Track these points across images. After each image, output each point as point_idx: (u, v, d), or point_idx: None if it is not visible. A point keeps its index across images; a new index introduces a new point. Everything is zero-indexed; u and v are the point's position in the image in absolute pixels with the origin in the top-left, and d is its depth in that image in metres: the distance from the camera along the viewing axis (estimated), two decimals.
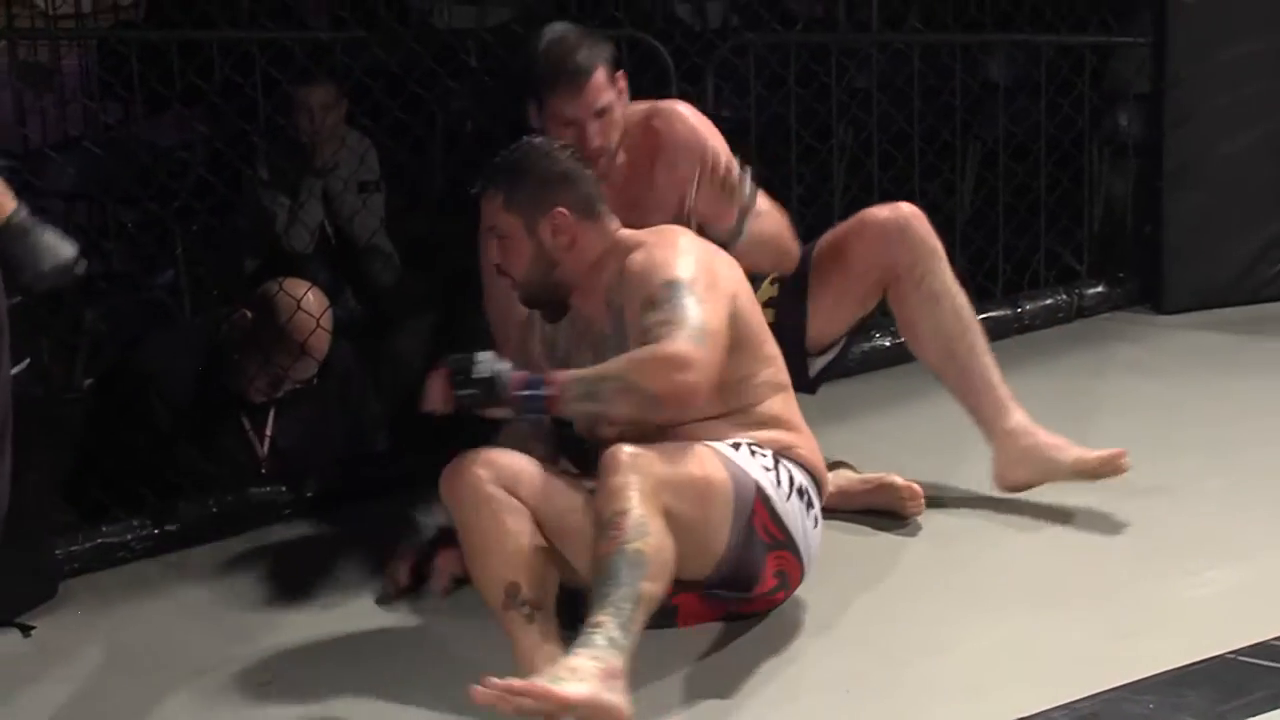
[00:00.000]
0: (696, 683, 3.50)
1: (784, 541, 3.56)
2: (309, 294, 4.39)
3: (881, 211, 4.21)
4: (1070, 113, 5.66)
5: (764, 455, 3.55)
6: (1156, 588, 3.74)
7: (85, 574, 3.99)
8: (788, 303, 4.27)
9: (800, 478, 3.61)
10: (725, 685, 3.47)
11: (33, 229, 3.17)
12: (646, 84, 4.53)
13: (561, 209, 3.53)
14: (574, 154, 3.69)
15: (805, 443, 3.67)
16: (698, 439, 3.49)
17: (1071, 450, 4.02)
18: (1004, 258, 5.46)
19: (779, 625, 3.70)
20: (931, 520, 4.05)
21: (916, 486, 4.08)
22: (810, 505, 3.63)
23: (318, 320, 4.36)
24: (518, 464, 3.44)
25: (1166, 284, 5.25)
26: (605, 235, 3.60)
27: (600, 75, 3.95)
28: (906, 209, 4.18)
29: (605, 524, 3.25)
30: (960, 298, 4.14)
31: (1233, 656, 3.41)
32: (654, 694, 3.40)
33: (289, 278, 4.49)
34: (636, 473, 3.26)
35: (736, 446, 3.53)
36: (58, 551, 3.95)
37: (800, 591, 3.78)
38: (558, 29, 4.09)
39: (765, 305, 4.34)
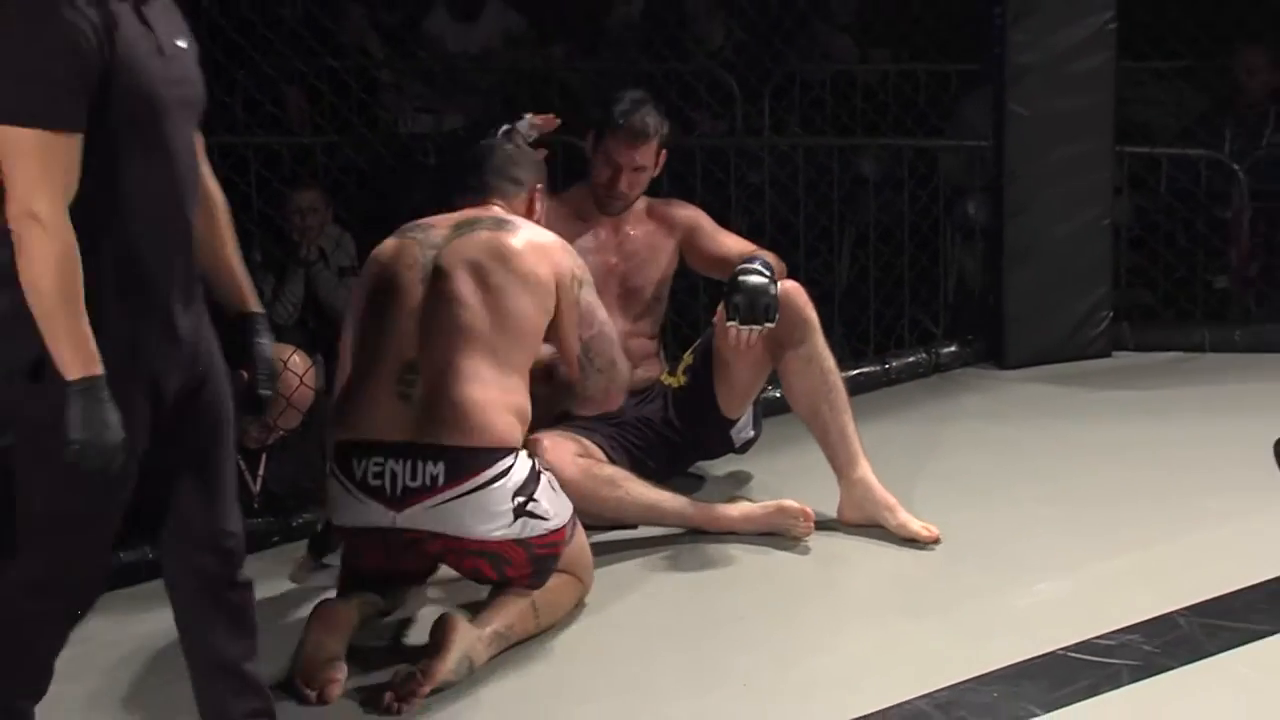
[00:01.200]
0: (608, 674, 3.48)
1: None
2: (294, 356, 4.34)
3: None
4: (928, 203, 5.68)
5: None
6: (999, 597, 3.74)
7: (110, 590, 3.92)
8: (700, 369, 4.26)
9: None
10: (632, 679, 3.46)
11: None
12: (574, 179, 4.52)
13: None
14: None
15: None
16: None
17: (899, 514, 4.01)
18: (874, 323, 5.47)
19: (682, 626, 3.69)
20: (818, 541, 4.03)
21: (809, 509, 4.04)
22: None
23: (300, 378, 4.32)
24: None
25: (1008, 344, 5.25)
26: None
27: (654, 144, 4.23)
28: (789, 285, 4.16)
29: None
30: (829, 362, 4.11)
31: (1061, 653, 3.43)
32: (572, 679, 3.41)
33: (277, 343, 4.45)
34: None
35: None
36: None
37: (705, 599, 3.80)
38: (642, 95, 4.35)
39: (682, 373, 4.36)
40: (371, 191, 5.37)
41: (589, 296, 3.68)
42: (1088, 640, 3.46)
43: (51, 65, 2.37)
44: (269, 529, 4.18)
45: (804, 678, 3.39)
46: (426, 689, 3.29)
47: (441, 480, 3.40)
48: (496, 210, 3.71)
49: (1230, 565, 3.77)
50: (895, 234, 5.60)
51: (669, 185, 5.00)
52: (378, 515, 3.45)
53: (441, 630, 3.37)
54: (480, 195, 3.75)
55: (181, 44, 2.57)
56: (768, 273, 4.05)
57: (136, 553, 4.00)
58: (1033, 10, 5.04)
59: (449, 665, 3.32)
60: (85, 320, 2.43)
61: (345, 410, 3.57)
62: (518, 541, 3.47)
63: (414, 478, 3.42)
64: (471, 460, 3.41)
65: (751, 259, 4.10)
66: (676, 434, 4.27)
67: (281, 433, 4.33)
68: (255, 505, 4.27)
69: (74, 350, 2.42)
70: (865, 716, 3.20)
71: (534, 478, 3.50)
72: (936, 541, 3.99)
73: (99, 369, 2.44)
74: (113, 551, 3.96)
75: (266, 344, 2.89)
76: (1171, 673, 3.35)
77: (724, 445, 4.35)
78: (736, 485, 4.30)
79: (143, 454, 2.57)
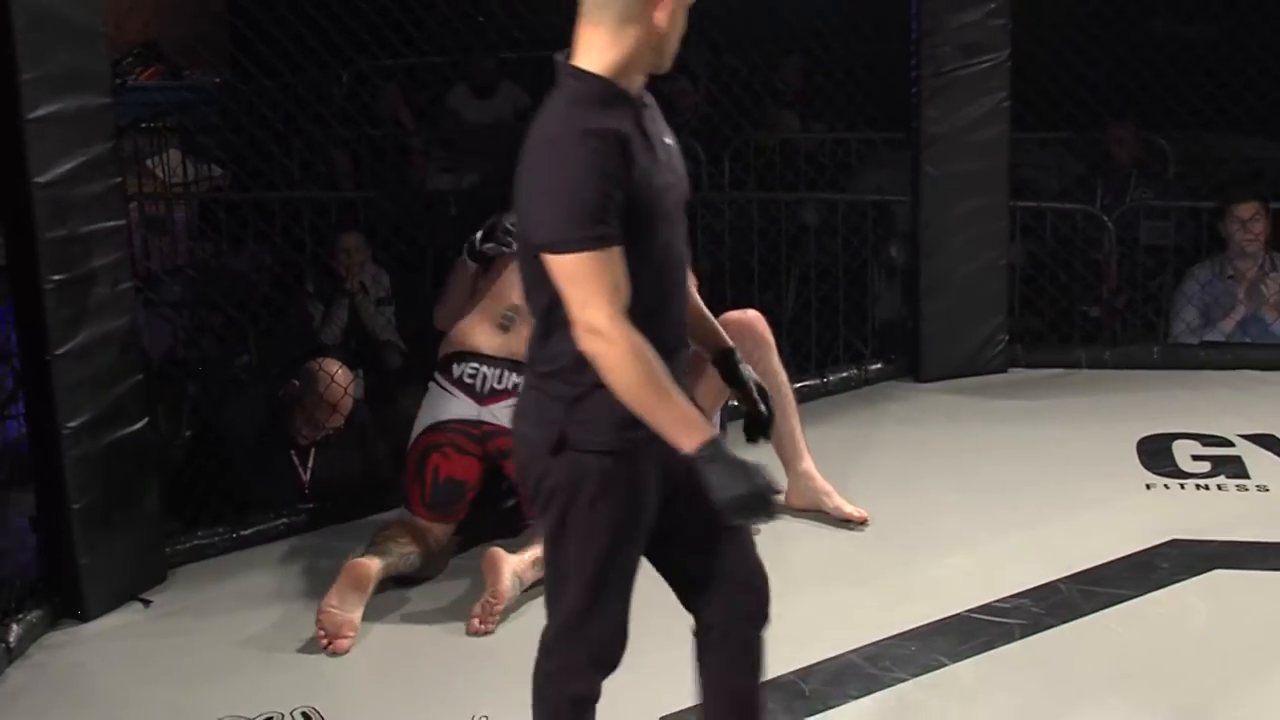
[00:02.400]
0: None
1: None
2: (338, 369, 4.35)
3: (734, 315, 4.18)
4: (858, 246, 5.67)
5: None
6: (916, 568, 3.76)
7: (184, 565, 3.94)
8: None
9: None
10: None
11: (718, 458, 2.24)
12: None
13: None
14: None
15: None
16: None
17: (835, 500, 4.04)
18: (815, 344, 5.44)
19: (661, 593, 3.71)
20: (773, 523, 4.04)
21: None
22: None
23: (345, 389, 4.32)
24: None
25: (923, 362, 5.21)
26: None
27: None
28: (751, 314, 4.16)
29: None
30: (781, 375, 4.12)
31: (967, 614, 3.47)
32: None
33: (324, 359, 4.47)
34: None
35: None
36: (166, 549, 3.89)
37: (646, 568, 3.77)
38: None
39: None
40: (403, 236, 5.39)
41: None
42: (988, 604, 3.50)
43: (593, 192, 2.16)
44: (317, 513, 4.21)
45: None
46: (500, 606, 3.39)
47: (520, 386, 3.53)
48: None
49: (1101, 541, 3.81)
50: (832, 272, 5.59)
51: None
52: (466, 408, 3.63)
53: (491, 561, 3.46)
54: None
55: (669, 141, 2.36)
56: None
57: (208, 533, 4.04)
58: (942, 91, 5.05)
59: (506, 584, 3.41)
60: (679, 396, 2.21)
61: (451, 336, 3.75)
62: None
63: (500, 381, 3.62)
64: None
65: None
66: None
67: (327, 432, 4.33)
68: (306, 491, 4.28)
69: (682, 427, 2.20)
70: (808, 666, 3.24)
71: None
72: (866, 522, 4.01)
73: (712, 431, 2.23)
74: (192, 532, 4.05)
75: (749, 369, 2.63)
76: (1055, 629, 3.40)
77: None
78: None
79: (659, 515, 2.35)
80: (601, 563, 2.34)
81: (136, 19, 5.67)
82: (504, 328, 3.73)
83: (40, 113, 3.37)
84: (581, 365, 2.24)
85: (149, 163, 6.23)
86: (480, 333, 3.74)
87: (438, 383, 3.73)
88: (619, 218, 2.20)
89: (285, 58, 4.76)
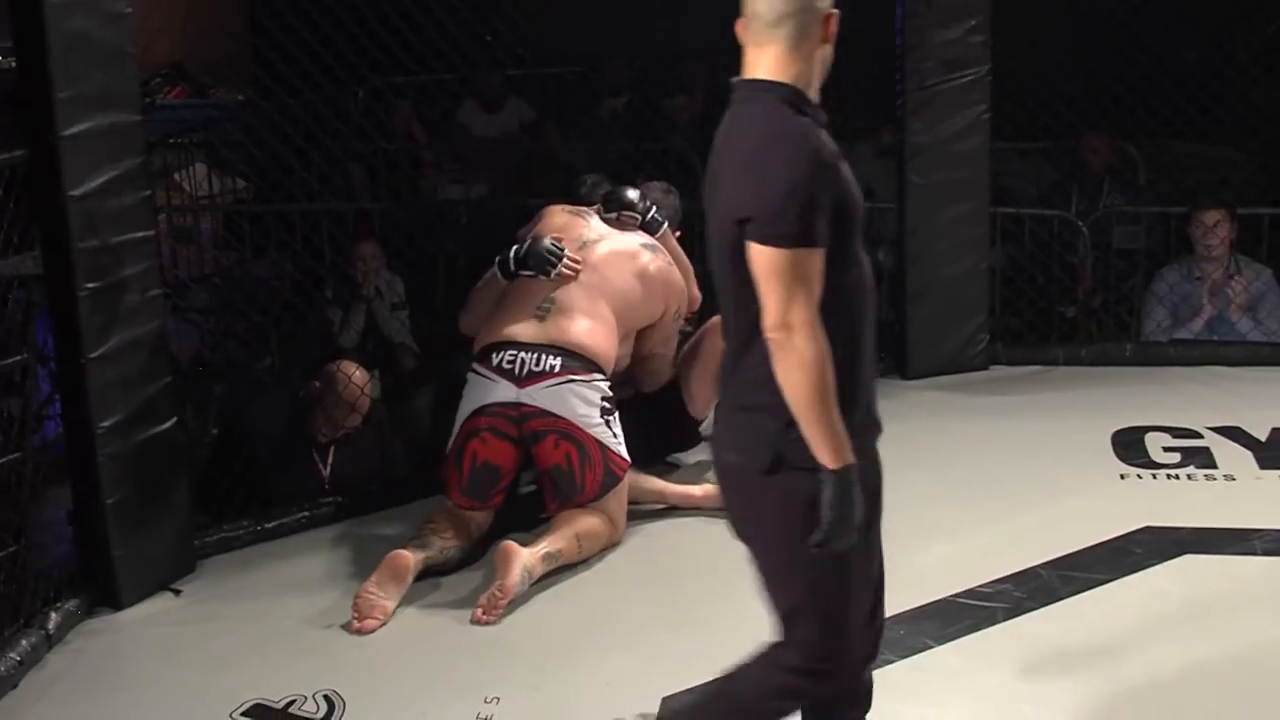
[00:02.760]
0: (605, 613, 3.49)
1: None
2: (356, 371, 4.34)
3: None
4: None
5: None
6: (904, 556, 3.64)
7: (212, 556, 3.94)
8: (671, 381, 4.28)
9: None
10: (623, 618, 3.45)
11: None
12: None
13: None
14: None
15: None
16: None
17: None
18: None
19: (661, 578, 3.67)
20: None
21: None
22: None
23: (362, 389, 4.32)
24: None
25: (909, 360, 5.21)
26: None
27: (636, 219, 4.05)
28: None
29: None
30: None
31: (951, 599, 3.46)
32: (580, 619, 3.40)
33: (343, 361, 4.48)
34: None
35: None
36: (195, 541, 3.90)
37: (677, 558, 3.78)
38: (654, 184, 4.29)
39: None
40: (416, 244, 5.39)
41: (675, 327, 4.02)
42: (971, 589, 3.50)
43: (812, 192, 2.13)
44: (338, 504, 4.21)
45: (751, 621, 3.32)
46: (505, 601, 3.38)
47: (557, 369, 3.58)
48: (646, 235, 3.95)
49: (1078, 529, 3.80)
50: None
51: None
52: (505, 391, 3.62)
53: (503, 554, 3.45)
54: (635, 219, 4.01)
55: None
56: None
57: (234, 526, 4.05)
58: (926, 104, 5.05)
59: (515, 578, 3.39)
60: (838, 414, 2.17)
61: (486, 330, 3.77)
62: (600, 445, 3.58)
63: (537, 365, 3.62)
64: (578, 360, 3.62)
65: None
66: (656, 434, 4.26)
67: (346, 430, 4.33)
68: (326, 486, 4.29)
69: (833, 441, 2.16)
70: None
71: (613, 404, 3.70)
72: None
73: (851, 458, 2.18)
74: (219, 525, 4.06)
75: None
76: (1035, 612, 3.40)
77: (694, 439, 4.36)
78: (700, 472, 4.33)
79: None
80: (829, 573, 2.25)
81: (164, 41, 5.67)
82: (540, 318, 3.73)
83: (74, 130, 3.39)
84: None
85: (176, 176, 6.22)
86: (517, 323, 3.74)
87: (477, 372, 3.72)
88: (828, 223, 2.16)
89: (304, 76, 4.76)
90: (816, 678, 2.30)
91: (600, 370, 3.70)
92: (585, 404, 3.64)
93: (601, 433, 3.66)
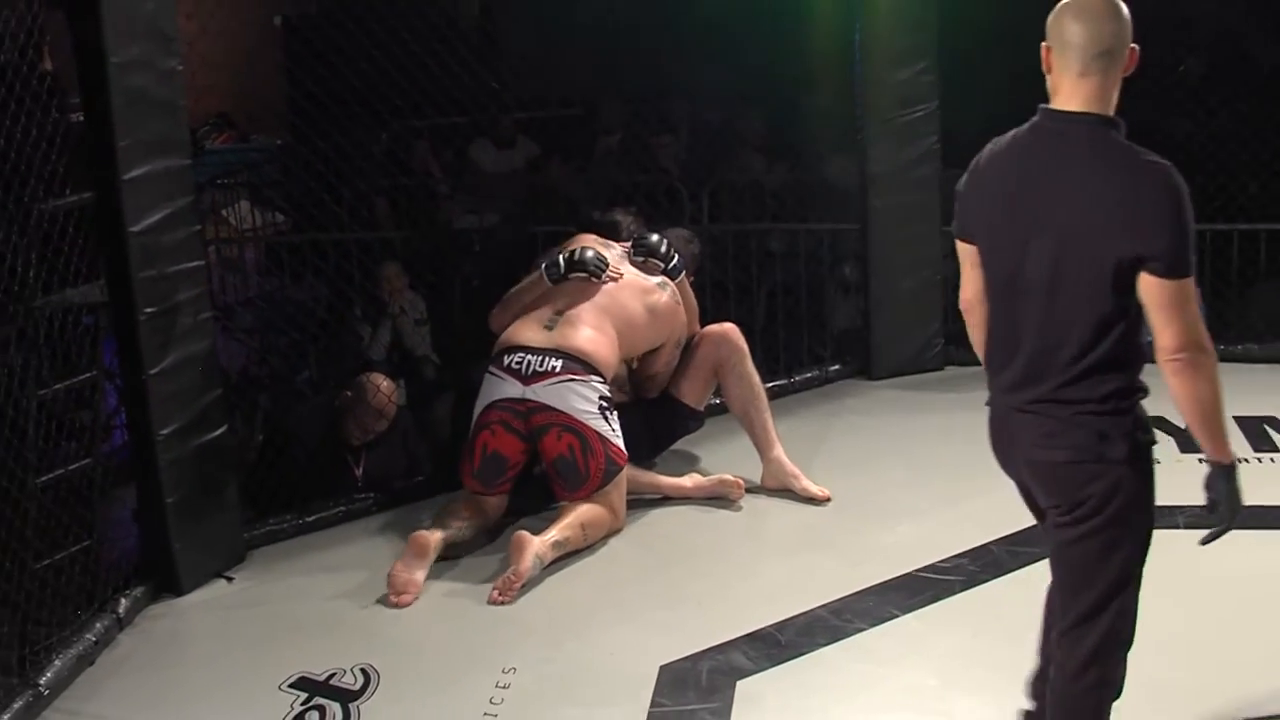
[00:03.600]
0: (605, 593, 3.48)
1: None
2: (383, 381, 4.34)
3: (714, 327, 4.22)
4: (816, 268, 5.66)
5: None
6: (872, 536, 3.76)
7: (260, 547, 3.95)
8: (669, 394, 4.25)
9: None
10: (623, 598, 3.44)
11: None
12: None
13: None
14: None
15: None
16: None
17: (802, 481, 4.03)
18: (783, 350, 5.41)
19: (656, 561, 3.68)
20: (747, 501, 4.05)
21: (740, 480, 4.06)
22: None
23: (389, 397, 4.32)
24: None
25: (874, 363, 5.19)
26: None
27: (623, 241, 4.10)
28: (728, 326, 4.21)
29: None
30: (754, 379, 4.14)
31: (914, 573, 3.48)
32: (583, 597, 3.40)
33: (372, 372, 4.48)
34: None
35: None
36: (244, 534, 3.90)
37: (669, 542, 3.78)
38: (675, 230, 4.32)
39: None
40: (434, 268, 5.40)
41: (675, 354, 4.06)
42: (932, 564, 3.51)
43: (1191, 223, 2.12)
44: (368, 503, 4.21)
45: (738, 596, 3.43)
46: (519, 584, 3.39)
47: (559, 369, 3.62)
48: (663, 277, 4.00)
49: (1023, 510, 3.78)
50: (795, 289, 5.61)
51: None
52: (513, 388, 3.67)
53: (517, 542, 3.47)
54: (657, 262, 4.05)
55: None
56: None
57: (279, 520, 4.04)
58: (883, 136, 5.06)
59: (527, 564, 3.41)
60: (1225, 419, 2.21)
61: (503, 338, 3.81)
62: (600, 437, 3.59)
63: (542, 365, 3.66)
64: (579, 363, 3.65)
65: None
66: (655, 430, 4.24)
67: (375, 434, 4.33)
68: (359, 484, 4.29)
69: (1225, 442, 2.21)
70: (783, 620, 3.26)
71: (610, 403, 3.72)
72: (828, 500, 4.01)
73: (1235, 457, 2.24)
74: (265, 519, 4.05)
75: None
76: (988, 583, 3.42)
77: (696, 421, 4.30)
78: (690, 463, 4.34)
79: None
80: (1142, 556, 2.28)
81: (212, 95, 5.68)
82: (548, 328, 3.79)
83: (134, 174, 3.41)
84: (1133, 389, 2.22)
85: (224, 212, 6.21)
86: (528, 332, 3.80)
87: (491, 373, 3.78)
88: None
89: (334, 122, 4.79)
90: (1126, 646, 2.31)
91: (599, 374, 3.72)
92: (584, 400, 3.67)
93: (600, 425, 3.67)
